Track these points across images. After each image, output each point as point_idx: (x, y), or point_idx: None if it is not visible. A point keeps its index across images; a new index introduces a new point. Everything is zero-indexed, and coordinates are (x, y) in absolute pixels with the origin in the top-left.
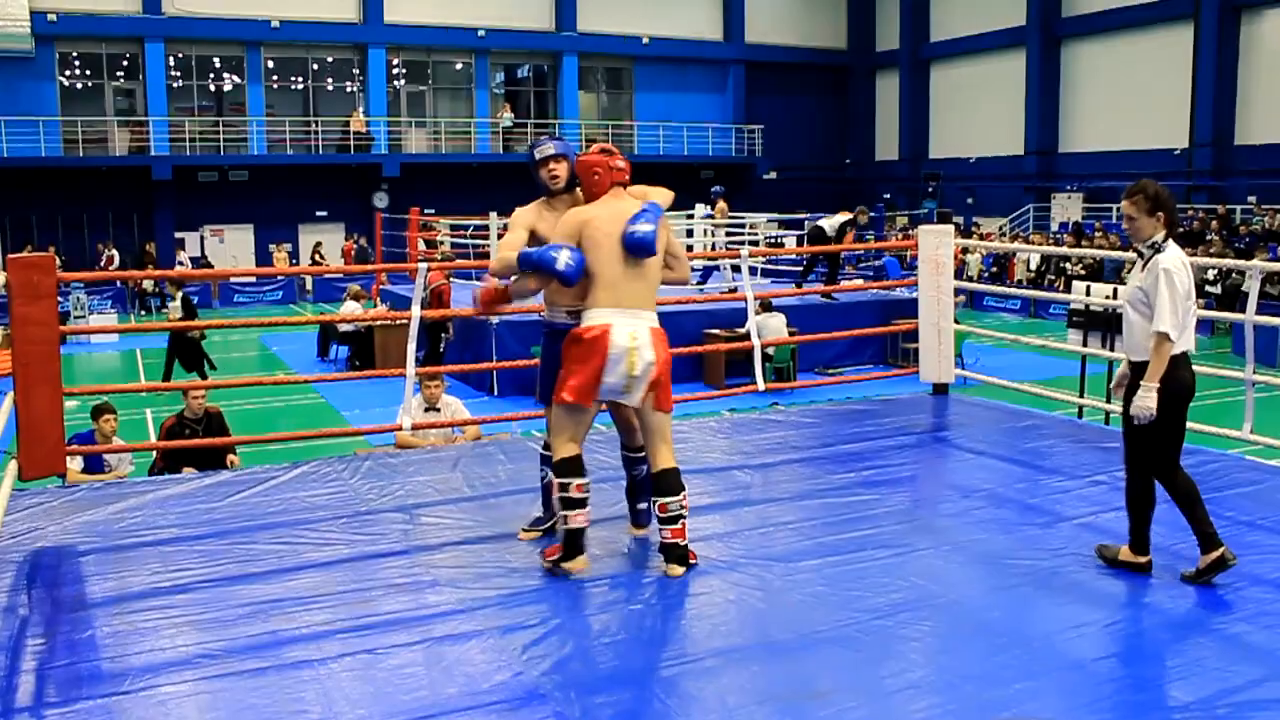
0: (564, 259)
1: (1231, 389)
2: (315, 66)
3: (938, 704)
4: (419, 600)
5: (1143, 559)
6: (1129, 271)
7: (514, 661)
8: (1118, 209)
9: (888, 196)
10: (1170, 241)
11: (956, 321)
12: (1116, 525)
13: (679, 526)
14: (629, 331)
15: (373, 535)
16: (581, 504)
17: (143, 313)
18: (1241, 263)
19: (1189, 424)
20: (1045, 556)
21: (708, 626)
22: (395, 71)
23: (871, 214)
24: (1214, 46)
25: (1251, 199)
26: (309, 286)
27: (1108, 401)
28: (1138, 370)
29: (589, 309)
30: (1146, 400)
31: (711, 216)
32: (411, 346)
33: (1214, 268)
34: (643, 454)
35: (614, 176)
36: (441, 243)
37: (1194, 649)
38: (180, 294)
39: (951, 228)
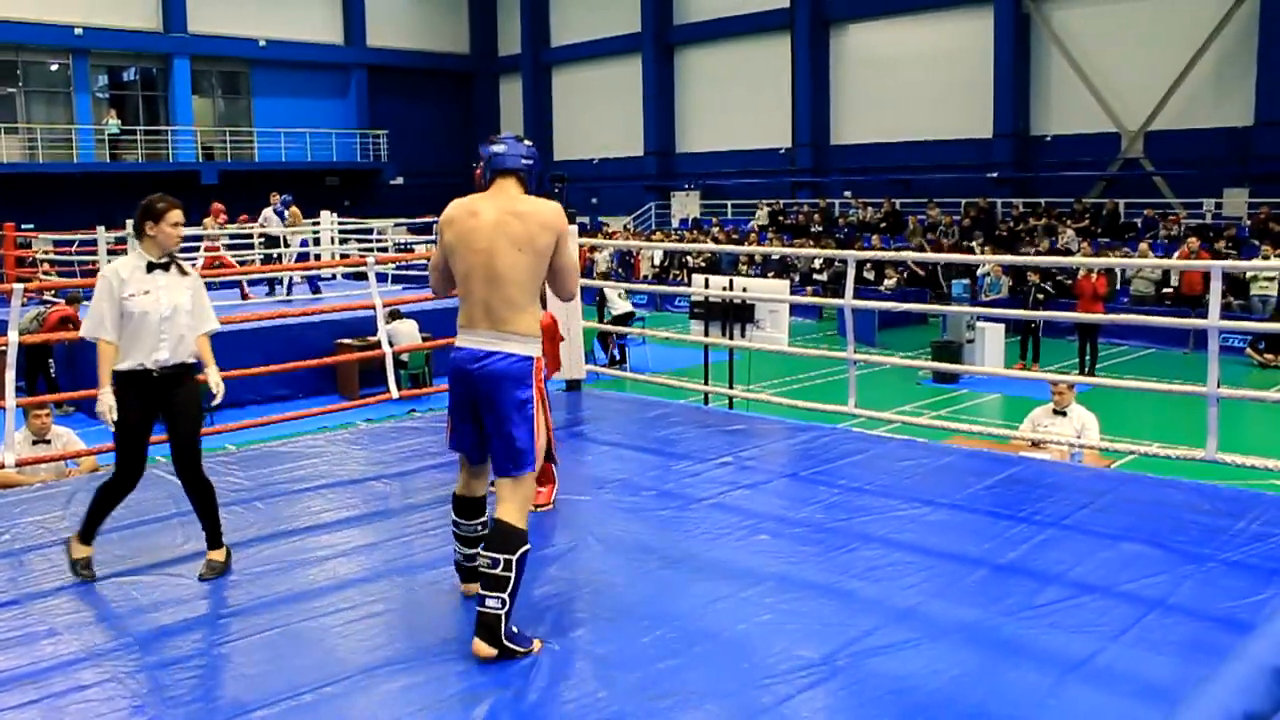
0: None
1: (836, 368)
2: None
3: (589, 691)
4: (34, 653)
5: (87, 551)
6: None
7: (147, 704)
8: (732, 205)
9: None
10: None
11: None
12: (745, 503)
13: None
14: None
15: None
16: None
17: None
18: (839, 252)
19: (800, 404)
20: (679, 538)
21: (354, 642)
22: None
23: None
24: (807, 56)
25: (848, 193)
26: None
27: (730, 387)
28: None
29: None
30: (107, 399)
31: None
32: (10, 375)
33: (817, 257)
34: None
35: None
36: (42, 262)
37: (817, 609)
38: None
39: (576, 228)
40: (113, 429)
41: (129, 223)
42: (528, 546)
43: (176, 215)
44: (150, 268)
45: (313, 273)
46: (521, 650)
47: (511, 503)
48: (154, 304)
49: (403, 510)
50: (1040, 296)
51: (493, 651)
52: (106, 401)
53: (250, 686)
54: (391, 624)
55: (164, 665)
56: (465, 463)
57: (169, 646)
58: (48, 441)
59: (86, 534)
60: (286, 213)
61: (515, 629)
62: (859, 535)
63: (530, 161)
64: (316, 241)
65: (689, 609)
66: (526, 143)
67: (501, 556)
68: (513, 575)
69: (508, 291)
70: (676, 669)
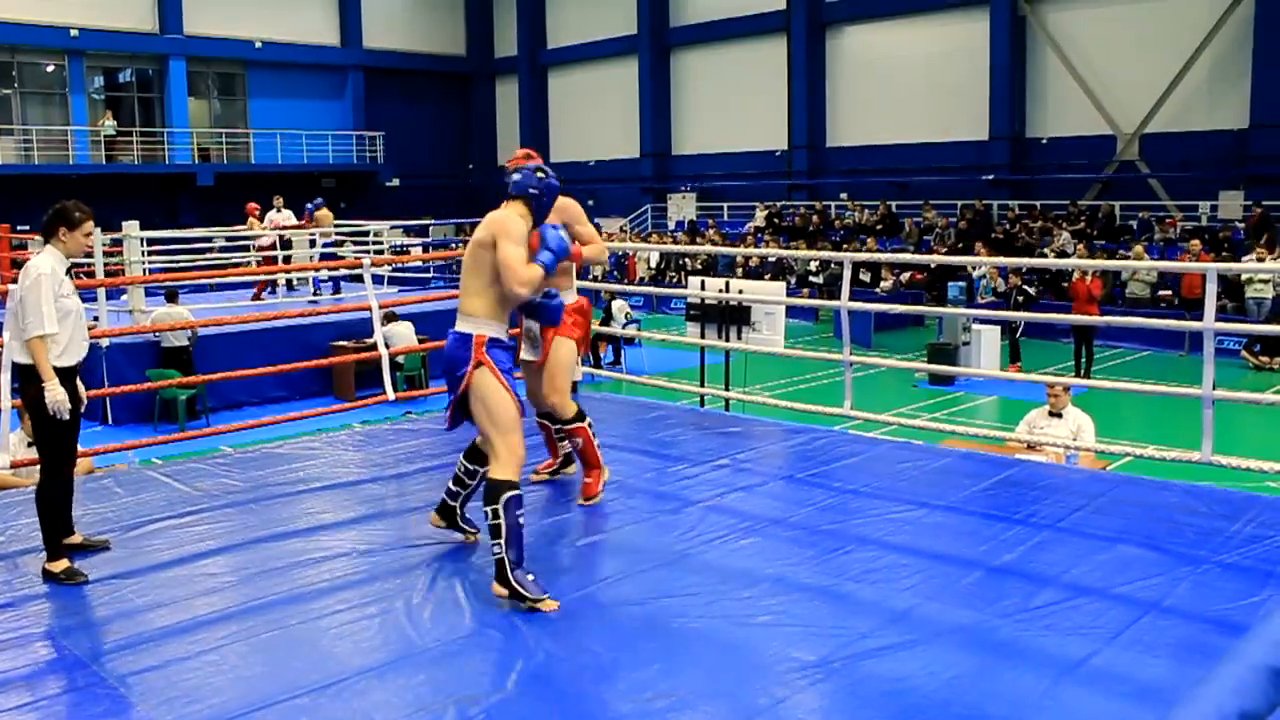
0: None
1: (832, 370)
2: None
3: (586, 692)
4: (30, 656)
5: (64, 563)
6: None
7: (144, 707)
8: (729, 207)
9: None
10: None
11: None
12: (741, 505)
13: None
14: None
15: None
16: None
17: None
18: (835, 254)
19: (797, 406)
20: (675, 540)
21: (351, 644)
22: None
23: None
24: (804, 58)
25: (844, 195)
26: None
27: (726, 389)
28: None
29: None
30: (60, 391)
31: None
32: (6, 377)
33: (813, 259)
34: None
35: None
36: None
37: (813, 611)
38: None
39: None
40: (65, 417)
41: (126, 224)
42: (510, 494)
43: (90, 226)
44: (67, 270)
45: (332, 273)
46: (528, 596)
47: (492, 460)
48: (78, 303)
49: (399, 512)
50: (1021, 299)
51: (504, 591)
52: (59, 394)
53: (248, 688)
54: (388, 625)
55: (160, 667)
56: None
57: (165, 649)
58: None
59: (53, 551)
60: (317, 214)
61: (530, 577)
62: (855, 537)
63: (536, 190)
64: (334, 244)
65: (685, 611)
66: (539, 173)
67: (488, 508)
68: (502, 522)
69: (464, 279)
70: (672, 670)
